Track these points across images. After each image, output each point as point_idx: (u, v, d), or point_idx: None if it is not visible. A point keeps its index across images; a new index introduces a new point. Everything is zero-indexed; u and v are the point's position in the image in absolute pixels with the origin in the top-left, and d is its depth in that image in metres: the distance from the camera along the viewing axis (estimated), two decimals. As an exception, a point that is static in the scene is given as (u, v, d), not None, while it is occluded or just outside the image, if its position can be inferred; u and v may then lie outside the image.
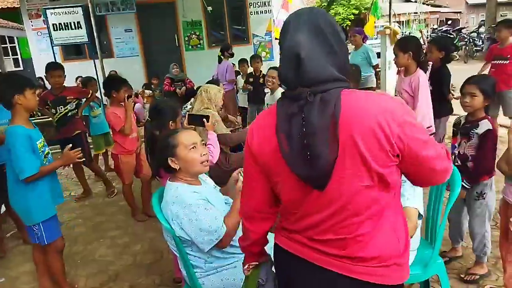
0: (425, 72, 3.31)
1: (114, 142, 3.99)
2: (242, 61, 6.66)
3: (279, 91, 4.48)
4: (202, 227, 1.76)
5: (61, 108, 4.47)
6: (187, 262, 1.88)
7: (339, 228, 1.12)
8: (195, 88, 6.82)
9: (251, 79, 6.33)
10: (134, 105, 6.26)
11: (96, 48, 7.10)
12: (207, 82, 7.94)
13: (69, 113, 4.50)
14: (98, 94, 5.88)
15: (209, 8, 9.42)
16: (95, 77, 6.65)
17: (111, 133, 5.22)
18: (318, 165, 1.03)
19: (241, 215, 1.39)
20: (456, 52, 12.29)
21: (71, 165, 4.78)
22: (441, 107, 3.67)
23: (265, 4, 9.97)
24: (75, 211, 4.39)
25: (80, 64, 8.94)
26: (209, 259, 1.89)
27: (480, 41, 14.91)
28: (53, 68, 4.40)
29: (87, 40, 7.04)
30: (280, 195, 1.22)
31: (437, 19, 25.77)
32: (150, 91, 8.46)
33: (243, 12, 10.12)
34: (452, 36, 14.77)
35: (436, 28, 20.51)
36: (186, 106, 5.16)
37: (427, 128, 3.01)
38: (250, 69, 6.47)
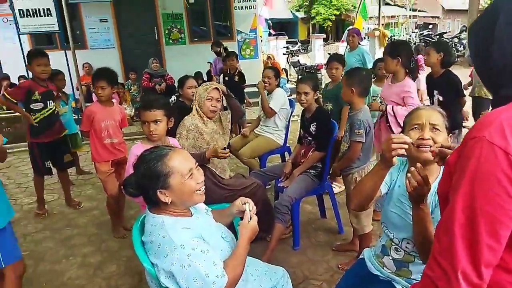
0: (414, 81, 3.08)
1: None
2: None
3: (277, 91, 4.07)
4: (196, 275, 1.39)
5: (51, 103, 3.81)
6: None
7: None
8: (175, 84, 6.33)
9: (226, 78, 5.94)
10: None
11: (67, 38, 6.54)
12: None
13: (56, 111, 3.89)
14: (67, 89, 5.31)
15: (191, 0, 8.93)
16: (67, 70, 6.14)
17: (79, 134, 4.73)
18: None
19: (455, 274, 0.87)
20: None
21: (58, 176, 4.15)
22: (456, 116, 3.43)
23: (249, -1, 9.53)
24: (42, 221, 3.88)
25: (51, 55, 8.31)
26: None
27: (462, 46, 15.07)
28: (40, 55, 3.71)
29: (58, 29, 6.46)
30: None
31: (415, 23, 26.00)
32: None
33: (227, 6, 9.67)
34: (434, 40, 14.86)
35: (417, 32, 20.65)
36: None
37: None
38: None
